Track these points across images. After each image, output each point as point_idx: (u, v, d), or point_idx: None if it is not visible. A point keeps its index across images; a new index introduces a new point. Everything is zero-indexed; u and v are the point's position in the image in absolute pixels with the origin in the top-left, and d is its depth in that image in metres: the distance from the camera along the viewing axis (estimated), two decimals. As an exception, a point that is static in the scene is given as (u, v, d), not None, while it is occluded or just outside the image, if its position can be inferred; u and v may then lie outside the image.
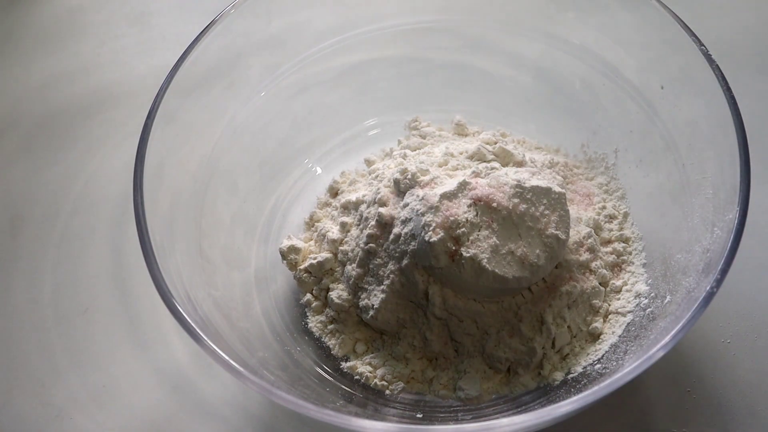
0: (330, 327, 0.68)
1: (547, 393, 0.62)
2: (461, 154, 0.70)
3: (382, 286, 0.64)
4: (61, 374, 0.69)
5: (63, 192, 0.83)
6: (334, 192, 0.76)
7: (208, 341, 0.51)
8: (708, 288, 0.50)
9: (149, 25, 1.01)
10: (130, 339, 0.71)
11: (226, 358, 0.50)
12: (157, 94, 0.62)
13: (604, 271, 0.67)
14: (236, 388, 0.66)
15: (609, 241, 0.70)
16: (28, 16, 1.03)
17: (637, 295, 0.65)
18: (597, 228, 0.70)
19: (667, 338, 0.49)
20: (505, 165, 0.68)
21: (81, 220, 0.80)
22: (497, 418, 0.60)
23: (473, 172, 0.64)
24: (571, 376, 0.62)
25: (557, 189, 0.63)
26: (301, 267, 0.69)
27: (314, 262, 0.68)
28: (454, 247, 0.59)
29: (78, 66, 0.97)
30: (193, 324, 0.51)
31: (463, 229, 0.59)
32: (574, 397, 0.48)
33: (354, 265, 0.66)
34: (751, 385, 0.64)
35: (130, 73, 0.95)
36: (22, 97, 0.93)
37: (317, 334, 0.68)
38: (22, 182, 0.84)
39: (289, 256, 0.70)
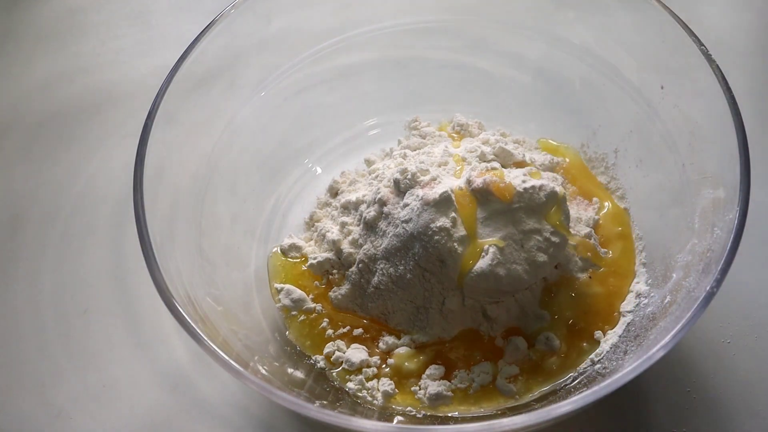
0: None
1: (547, 393, 0.62)
2: (461, 154, 0.70)
3: (385, 290, 0.64)
4: (61, 374, 0.69)
5: (63, 192, 0.83)
6: (334, 192, 0.76)
7: (208, 341, 0.51)
8: (708, 288, 0.50)
9: (149, 25, 1.01)
10: (130, 339, 0.71)
11: (226, 358, 0.50)
12: (157, 94, 0.62)
13: (604, 271, 0.67)
14: (236, 388, 0.66)
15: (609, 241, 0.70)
16: (28, 16, 1.03)
17: (637, 295, 0.65)
18: (597, 228, 0.69)
19: (667, 338, 0.49)
20: (505, 165, 0.68)
21: (81, 220, 0.80)
22: (497, 418, 0.60)
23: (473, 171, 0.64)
24: (572, 375, 0.62)
25: (557, 189, 0.62)
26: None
27: (314, 262, 0.68)
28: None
29: (78, 66, 0.97)
30: (193, 324, 0.51)
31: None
32: (574, 397, 0.48)
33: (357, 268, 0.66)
34: (751, 385, 0.64)
35: (130, 73, 0.95)
36: (22, 97, 0.93)
37: (317, 334, 0.68)
38: (22, 182, 0.84)
39: (290, 255, 0.70)
